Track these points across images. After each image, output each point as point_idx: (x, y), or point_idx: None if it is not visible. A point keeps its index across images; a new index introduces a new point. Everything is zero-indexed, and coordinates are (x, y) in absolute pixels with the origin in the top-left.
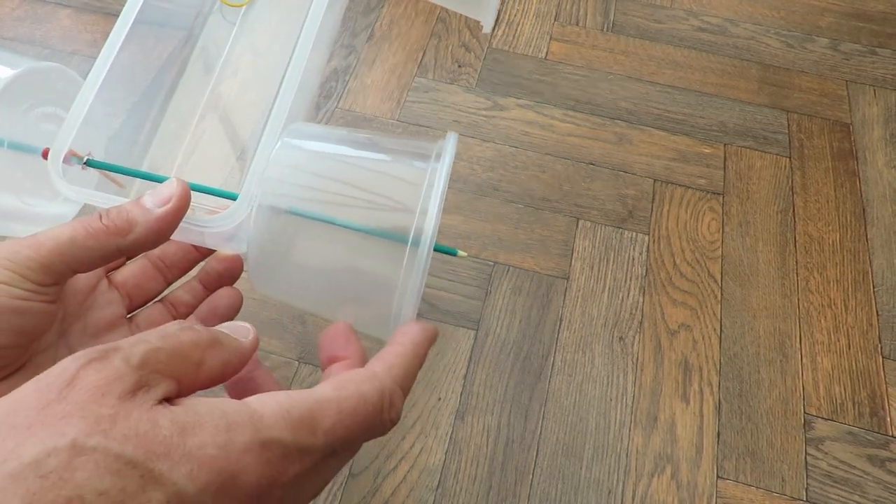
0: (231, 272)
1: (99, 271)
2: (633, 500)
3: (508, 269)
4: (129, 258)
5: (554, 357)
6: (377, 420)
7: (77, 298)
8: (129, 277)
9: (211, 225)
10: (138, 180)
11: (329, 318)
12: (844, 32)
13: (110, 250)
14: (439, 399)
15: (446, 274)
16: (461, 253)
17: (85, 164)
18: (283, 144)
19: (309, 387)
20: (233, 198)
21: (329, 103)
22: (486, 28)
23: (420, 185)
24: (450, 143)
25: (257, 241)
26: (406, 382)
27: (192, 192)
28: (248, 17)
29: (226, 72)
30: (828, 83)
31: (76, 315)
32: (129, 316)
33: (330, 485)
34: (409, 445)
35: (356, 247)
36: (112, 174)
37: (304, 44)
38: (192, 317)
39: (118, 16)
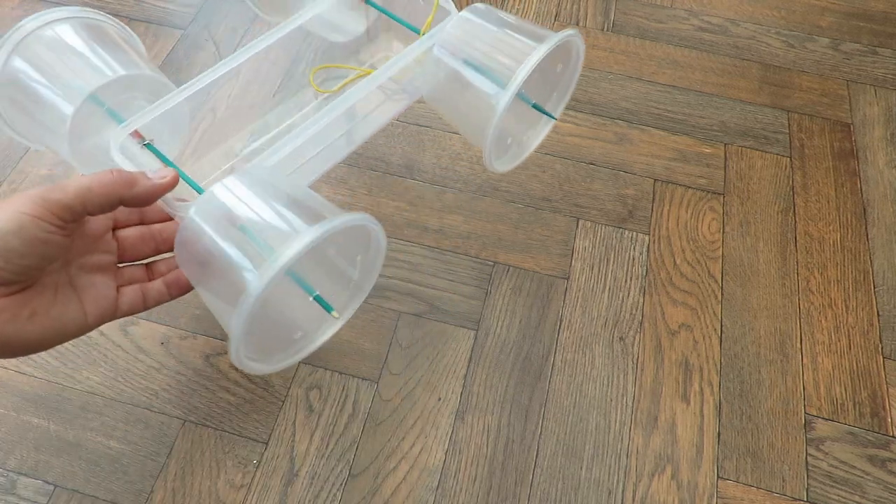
0: None
1: (108, 223)
2: (633, 500)
3: (508, 269)
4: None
5: (554, 357)
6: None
7: (86, 241)
8: (129, 237)
9: (181, 209)
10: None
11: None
12: (845, 32)
13: (114, 199)
14: (439, 399)
15: (446, 274)
16: (335, 314)
17: (145, 145)
18: (224, 181)
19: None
20: (200, 191)
21: None
22: (486, 165)
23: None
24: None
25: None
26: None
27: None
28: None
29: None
30: (828, 83)
31: (80, 253)
32: (119, 266)
33: (330, 485)
34: (409, 445)
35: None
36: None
37: None
38: (160, 280)
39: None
